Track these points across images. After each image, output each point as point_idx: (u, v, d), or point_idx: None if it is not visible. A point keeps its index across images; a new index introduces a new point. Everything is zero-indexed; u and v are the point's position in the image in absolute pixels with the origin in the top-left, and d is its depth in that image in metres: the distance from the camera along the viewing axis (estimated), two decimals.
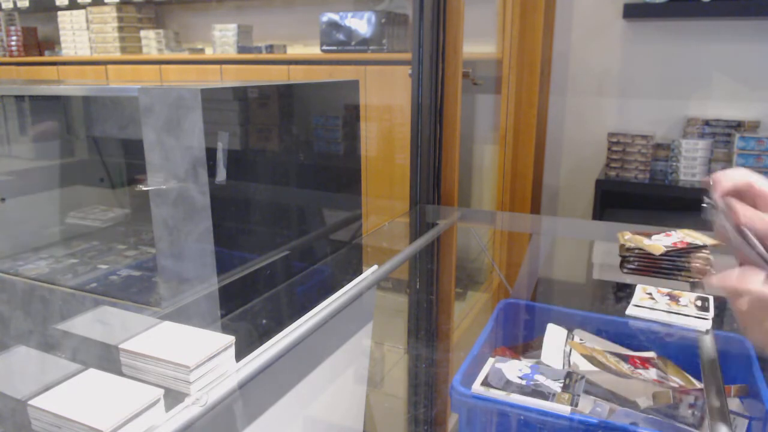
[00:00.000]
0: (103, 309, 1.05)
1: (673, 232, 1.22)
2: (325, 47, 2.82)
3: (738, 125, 2.30)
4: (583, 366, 0.86)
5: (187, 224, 0.93)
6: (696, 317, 0.96)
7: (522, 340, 1.04)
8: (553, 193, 2.81)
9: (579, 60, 2.62)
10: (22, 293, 1.15)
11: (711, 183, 0.58)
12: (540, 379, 0.80)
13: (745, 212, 0.54)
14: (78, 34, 3.70)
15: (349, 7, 3.11)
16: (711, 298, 1.02)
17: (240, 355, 0.72)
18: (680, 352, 0.93)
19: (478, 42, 2.67)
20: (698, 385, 0.87)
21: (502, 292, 1.40)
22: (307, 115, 1.16)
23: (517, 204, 2.48)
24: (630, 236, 1.22)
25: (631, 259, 1.18)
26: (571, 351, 0.93)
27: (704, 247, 1.15)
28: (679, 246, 1.15)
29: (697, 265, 1.14)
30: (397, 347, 1.31)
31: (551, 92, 2.69)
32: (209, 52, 3.41)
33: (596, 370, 0.81)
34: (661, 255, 1.14)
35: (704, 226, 1.30)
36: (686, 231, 1.22)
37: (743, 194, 0.56)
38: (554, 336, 0.97)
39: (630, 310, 1.00)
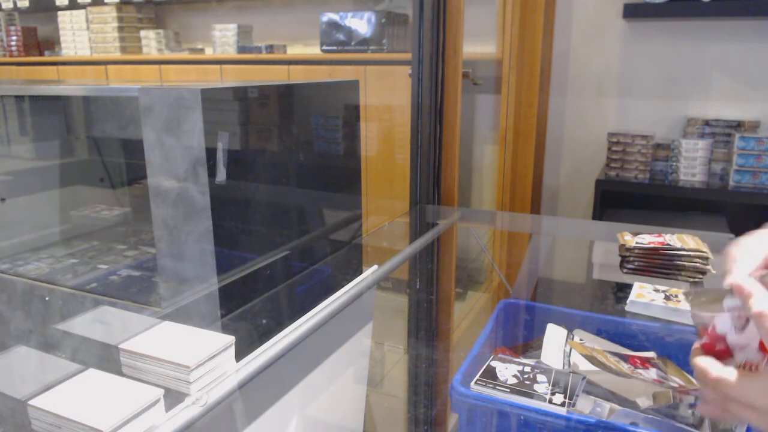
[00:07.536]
0: (103, 309, 1.05)
1: (672, 233, 1.22)
2: (325, 47, 2.82)
3: (738, 125, 2.30)
4: (583, 366, 0.86)
5: (187, 224, 0.93)
6: None
7: (522, 340, 1.04)
8: (553, 193, 2.81)
9: (579, 60, 2.62)
10: (22, 293, 1.15)
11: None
12: (540, 378, 0.80)
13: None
14: (78, 34, 3.70)
15: (349, 7, 3.11)
16: None
17: (240, 355, 0.72)
18: (680, 352, 0.93)
19: (478, 42, 2.67)
20: (698, 385, 0.87)
21: (502, 292, 1.40)
22: (307, 115, 1.16)
23: (517, 204, 2.48)
24: (630, 236, 1.22)
25: (631, 259, 1.18)
26: (571, 351, 0.93)
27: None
28: (678, 245, 1.15)
29: (697, 265, 1.14)
30: (397, 347, 1.31)
31: (551, 92, 2.69)
32: (209, 52, 3.41)
33: (596, 370, 0.81)
34: (661, 254, 1.14)
35: (703, 226, 1.30)
36: (683, 236, 1.22)
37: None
38: (554, 336, 0.97)
39: (629, 306, 1.00)
